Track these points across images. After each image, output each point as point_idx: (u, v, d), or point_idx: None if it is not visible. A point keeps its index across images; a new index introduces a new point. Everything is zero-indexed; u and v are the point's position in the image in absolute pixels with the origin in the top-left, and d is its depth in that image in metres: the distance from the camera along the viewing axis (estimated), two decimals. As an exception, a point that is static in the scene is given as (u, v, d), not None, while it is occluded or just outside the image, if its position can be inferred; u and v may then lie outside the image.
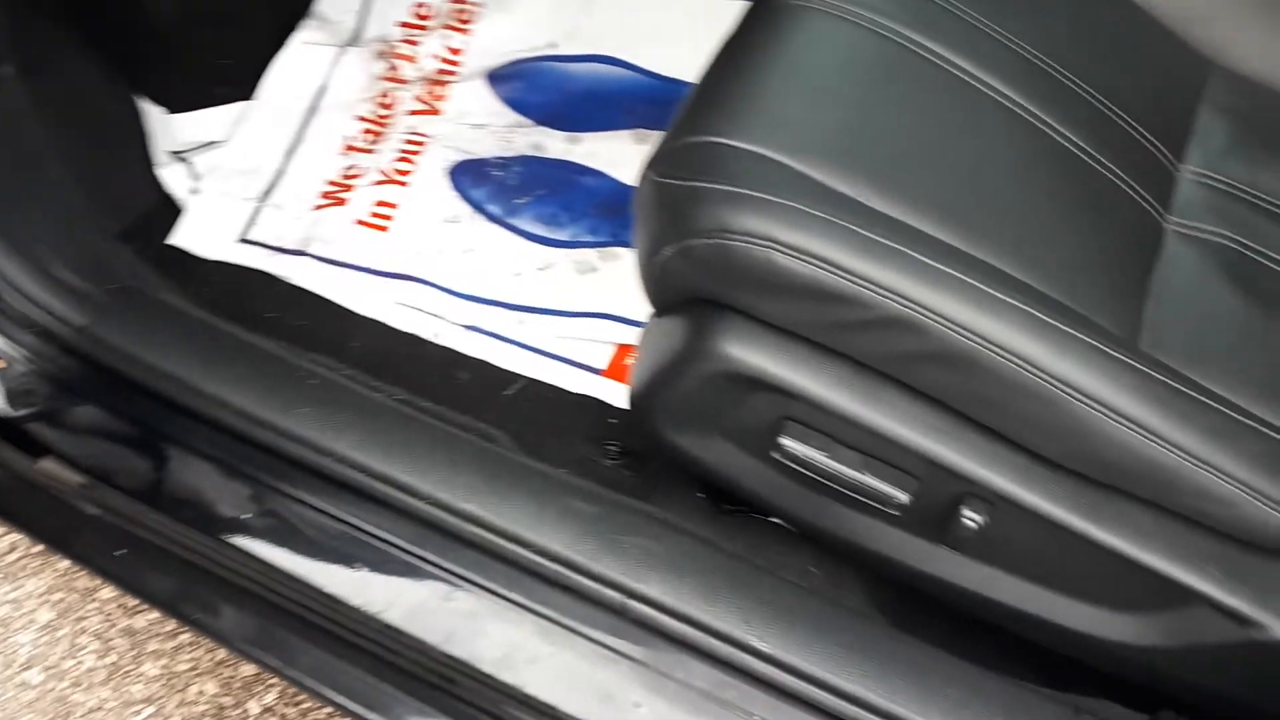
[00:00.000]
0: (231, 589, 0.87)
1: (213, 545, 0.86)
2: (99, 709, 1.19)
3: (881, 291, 0.71)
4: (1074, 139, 0.87)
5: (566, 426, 1.09)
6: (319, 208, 1.25)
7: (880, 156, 0.80)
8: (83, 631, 1.23)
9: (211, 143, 1.27)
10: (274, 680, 1.20)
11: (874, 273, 0.71)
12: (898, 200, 0.78)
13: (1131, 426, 0.70)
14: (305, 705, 1.19)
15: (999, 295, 0.71)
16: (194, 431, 0.88)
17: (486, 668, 0.79)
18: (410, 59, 1.38)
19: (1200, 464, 0.69)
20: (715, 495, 1.02)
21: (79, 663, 1.22)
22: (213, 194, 1.24)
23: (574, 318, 1.19)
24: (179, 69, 1.24)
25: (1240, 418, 0.72)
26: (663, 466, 1.05)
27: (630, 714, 0.78)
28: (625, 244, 1.24)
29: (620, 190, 1.28)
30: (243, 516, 0.86)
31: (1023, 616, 0.81)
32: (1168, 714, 0.79)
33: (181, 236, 1.20)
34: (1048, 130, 0.87)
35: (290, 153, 1.29)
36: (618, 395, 1.12)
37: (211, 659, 1.22)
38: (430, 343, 1.15)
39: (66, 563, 1.26)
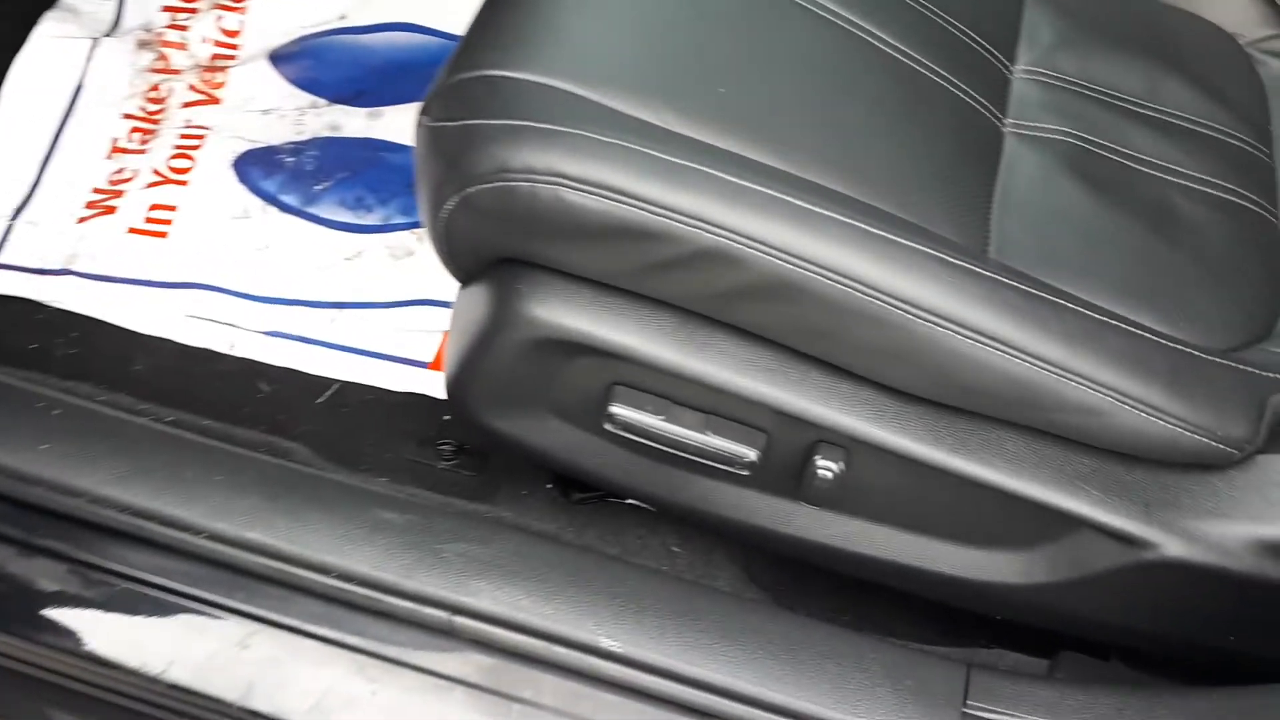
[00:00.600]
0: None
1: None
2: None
3: (688, 220, 0.62)
4: (900, 47, 0.79)
5: (392, 430, 0.96)
6: (84, 220, 1.09)
7: (682, 76, 0.71)
8: None
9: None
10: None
11: (677, 200, 0.62)
12: (705, 122, 0.68)
13: (983, 340, 0.62)
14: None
15: (820, 210, 0.62)
16: None
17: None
18: (180, 46, 1.22)
19: (1062, 372, 0.62)
20: (565, 484, 0.91)
21: None
22: (-47, 217, 1.07)
23: (392, 308, 1.06)
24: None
25: (1099, 316, 0.65)
26: (507, 461, 0.93)
27: (475, 748, 0.66)
28: (442, 222, 1.12)
29: (432, 165, 1.16)
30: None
31: (901, 569, 0.73)
32: (1069, 654, 0.72)
33: (-82, 269, 1.03)
34: (870, 39, 0.78)
35: (45, 162, 1.12)
36: (448, 388, 1.00)
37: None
38: (227, 355, 1.01)
39: None
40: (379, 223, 1.12)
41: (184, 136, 1.15)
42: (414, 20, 1.26)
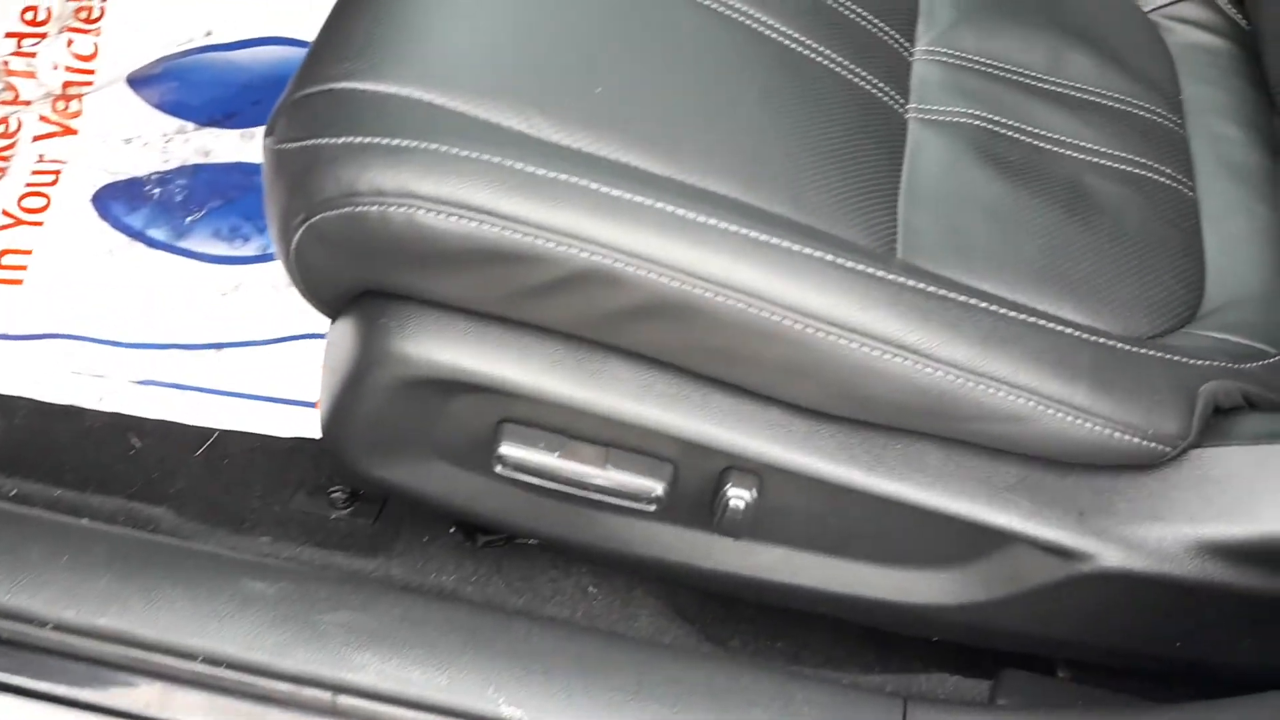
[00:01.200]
0: None
1: None
2: None
3: (560, 239, 0.55)
4: (791, 33, 0.74)
5: (278, 481, 0.88)
6: (-75, 272, 0.99)
7: (553, 76, 0.64)
8: None
9: None
10: None
11: (546, 216, 0.55)
12: (581, 126, 0.62)
13: (888, 349, 0.56)
14: None
15: (704, 220, 0.57)
16: None
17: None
18: (29, 74, 1.13)
19: (976, 377, 0.57)
20: (469, 527, 0.84)
21: None
22: None
23: (276, 344, 0.98)
24: None
25: (1015, 314, 0.60)
26: (406, 505, 0.86)
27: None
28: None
29: (314, 187, 1.08)
30: None
31: (829, 597, 0.67)
32: (1010, 673, 0.67)
33: None
34: (758, 27, 0.73)
35: (-122, 210, 1.03)
36: (341, 428, 0.92)
37: None
38: (94, 411, 0.93)
39: None
40: (257, 253, 1.04)
41: (36, 173, 1.06)
42: (285, 33, 1.17)
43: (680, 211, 0.57)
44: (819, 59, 0.74)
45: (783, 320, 0.56)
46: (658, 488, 0.63)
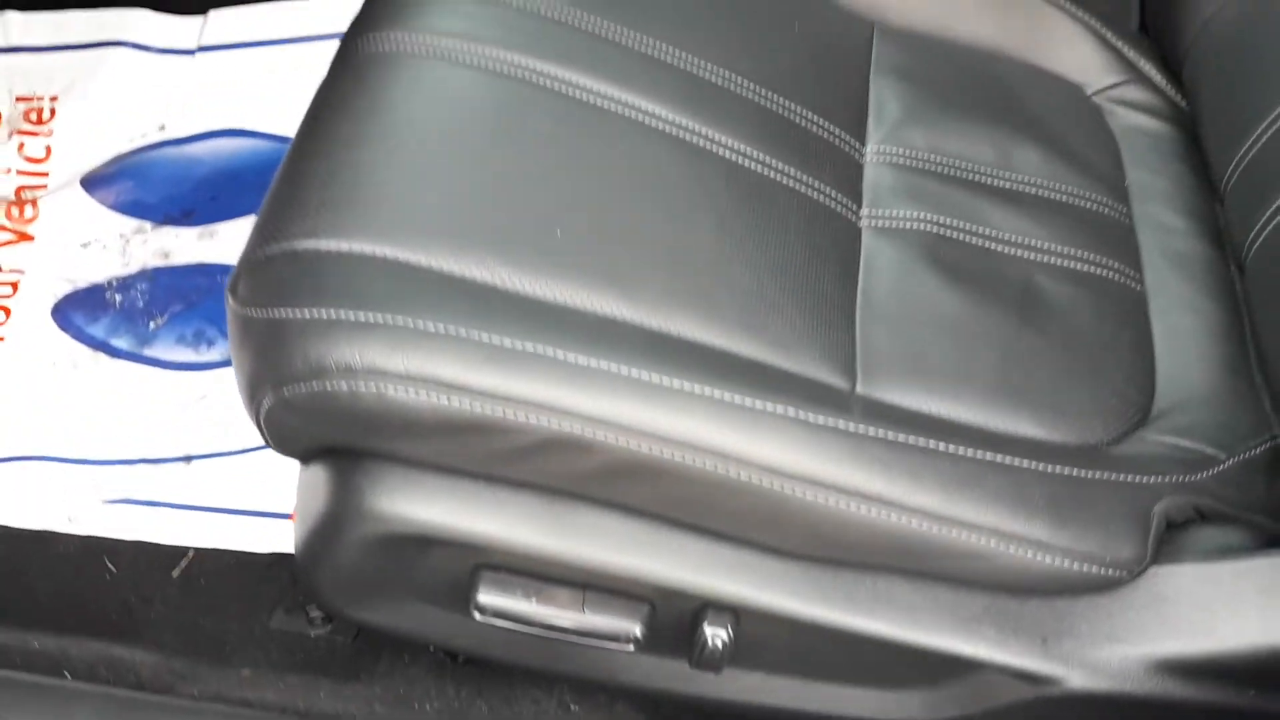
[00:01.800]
0: None
1: None
2: None
3: (527, 410, 0.56)
4: (744, 149, 0.75)
5: (256, 599, 0.89)
6: (-117, 395, 0.98)
7: (512, 222, 0.65)
8: None
9: None
10: None
11: (514, 388, 0.56)
12: (543, 272, 0.63)
13: (856, 500, 0.58)
14: None
15: (669, 383, 0.58)
16: None
17: None
18: (-20, 181, 1.12)
19: (940, 522, 0.59)
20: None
21: None
22: None
23: (247, 454, 0.98)
24: None
25: (973, 452, 0.62)
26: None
27: None
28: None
29: (277, 284, 1.08)
30: None
31: (806, 717, 0.69)
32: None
33: None
34: (711, 146, 0.74)
35: None
36: (317, 537, 0.93)
37: None
38: (64, 535, 0.92)
39: None
40: (222, 358, 1.04)
41: (-6, 285, 1.06)
42: (239, 125, 1.17)
43: (645, 375, 0.58)
44: (771, 174, 0.75)
45: (750, 478, 0.58)
46: (635, 629, 0.64)
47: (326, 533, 0.65)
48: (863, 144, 0.83)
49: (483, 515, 0.62)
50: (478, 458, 0.60)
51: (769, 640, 0.65)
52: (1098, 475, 0.65)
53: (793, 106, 0.80)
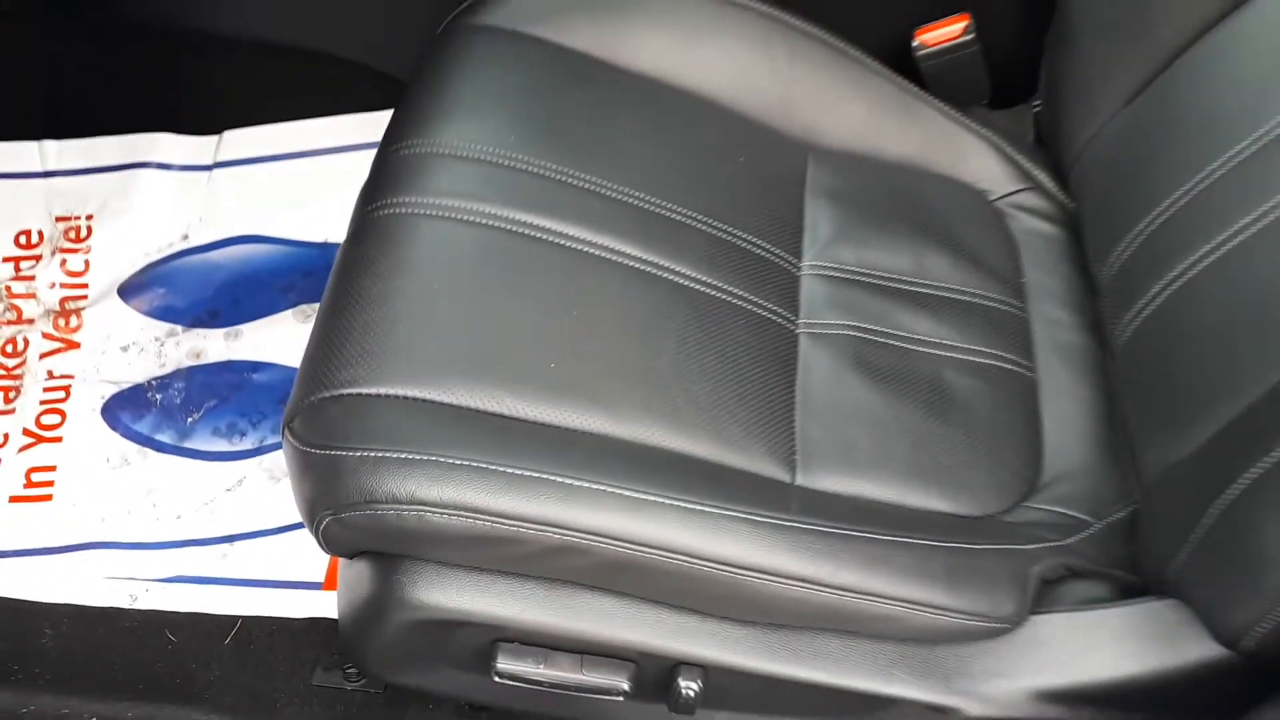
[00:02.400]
0: None
1: None
2: None
3: (536, 527, 0.72)
4: (697, 277, 0.90)
5: (299, 659, 1.04)
6: (-38, 496, 1.12)
7: (514, 360, 0.81)
8: None
9: None
10: None
11: (527, 509, 0.72)
12: (541, 399, 0.79)
13: (795, 584, 0.74)
14: None
15: (646, 497, 0.74)
16: None
17: None
18: (29, 295, 1.25)
19: (859, 596, 0.75)
20: (471, 695, 1.00)
21: None
22: None
23: (279, 534, 1.13)
24: None
25: (884, 535, 0.78)
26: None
27: None
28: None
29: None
30: None
31: (768, 745, 0.86)
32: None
33: None
34: (671, 278, 0.89)
35: (-92, 440, 1.15)
36: (346, 603, 1.08)
37: None
38: (130, 610, 1.07)
39: None
40: (254, 446, 1.18)
41: (49, 390, 1.19)
42: (255, 231, 1.31)
43: (626, 491, 0.74)
44: (720, 295, 0.91)
45: (712, 570, 0.74)
46: (624, 684, 0.80)
47: (371, 617, 0.80)
48: (799, 259, 0.98)
49: (500, 602, 0.78)
50: (498, 559, 0.76)
51: (732, 687, 0.81)
52: (987, 545, 0.81)
53: (737, 233, 0.96)
